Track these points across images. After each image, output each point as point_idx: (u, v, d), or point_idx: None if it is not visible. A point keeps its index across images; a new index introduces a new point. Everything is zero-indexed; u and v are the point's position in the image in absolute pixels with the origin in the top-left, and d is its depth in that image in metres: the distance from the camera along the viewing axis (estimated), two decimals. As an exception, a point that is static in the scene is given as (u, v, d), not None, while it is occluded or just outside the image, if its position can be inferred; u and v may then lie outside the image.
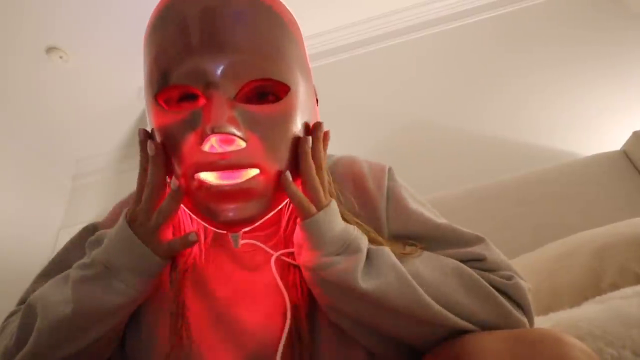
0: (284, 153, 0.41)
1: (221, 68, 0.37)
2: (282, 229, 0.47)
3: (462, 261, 0.45)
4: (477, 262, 0.46)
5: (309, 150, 0.42)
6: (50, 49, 2.25)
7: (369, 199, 0.49)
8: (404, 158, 1.93)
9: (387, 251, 0.43)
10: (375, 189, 0.49)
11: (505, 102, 1.93)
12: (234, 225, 0.39)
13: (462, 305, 0.42)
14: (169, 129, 0.39)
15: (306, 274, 0.43)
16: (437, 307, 0.40)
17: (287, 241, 0.47)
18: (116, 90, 2.59)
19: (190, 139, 0.38)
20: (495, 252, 0.48)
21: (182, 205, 0.42)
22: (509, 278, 0.45)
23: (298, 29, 0.44)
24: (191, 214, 0.42)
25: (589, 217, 1.26)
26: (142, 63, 0.42)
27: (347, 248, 0.41)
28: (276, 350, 0.41)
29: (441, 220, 0.49)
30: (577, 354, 0.33)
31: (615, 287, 0.74)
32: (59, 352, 0.40)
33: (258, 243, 0.46)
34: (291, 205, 0.47)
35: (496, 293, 0.43)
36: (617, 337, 0.48)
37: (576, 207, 1.32)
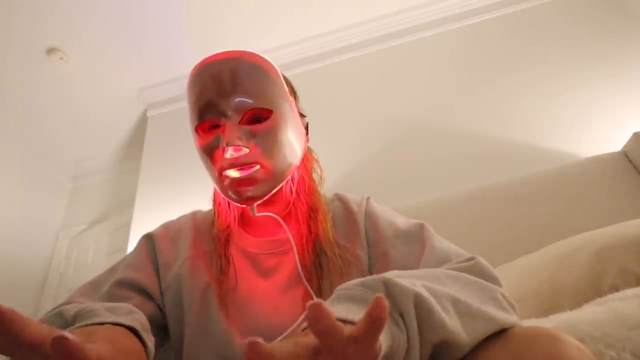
0: (275, 153, 0.61)
1: (231, 106, 0.60)
2: (289, 209, 0.68)
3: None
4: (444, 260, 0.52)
5: None
6: (50, 50, 2.25)
7: (352, 216, 0.67)
8: (406, 158, 1.93)
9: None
10: (356, 209, 0.68)
11: (506, 104, 1.93)
12: (250, 200, 0.60)
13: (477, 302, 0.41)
14: (206, 147, 0.62)
15: None
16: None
17: (294, 216, 0.66)
18: (116, 91, 2.59)
19: (218, 151, 0.60)
20: (438, 240, 0.56)
21: (221, 195, 0.63)
22: (471, 259, 0.49)
23: (278, 74, 0.65)
24: (227, 199, 0.62)
25: (589, 218, 1.26)
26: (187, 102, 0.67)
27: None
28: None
29: (406, 225, 0.63)
30: (571, 351, 0.33)
31: (615, 288, 0.74)
32: None
33: (273, 214, 0.64)
34: (294, 189, 0.67)
35: (484, 283, 0.44)
36: (617, 339, 0.48)
37: (577, 208, 1.32)
